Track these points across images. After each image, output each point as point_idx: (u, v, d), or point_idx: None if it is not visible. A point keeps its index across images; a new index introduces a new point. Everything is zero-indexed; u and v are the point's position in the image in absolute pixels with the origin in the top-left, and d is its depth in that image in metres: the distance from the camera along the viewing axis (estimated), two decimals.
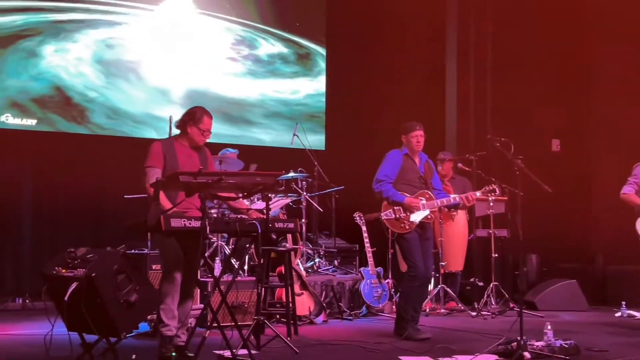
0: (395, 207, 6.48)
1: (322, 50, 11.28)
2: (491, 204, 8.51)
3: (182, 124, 5.56)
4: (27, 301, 8.40)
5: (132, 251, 7.36)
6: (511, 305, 8.64)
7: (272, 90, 10.90)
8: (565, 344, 5.51)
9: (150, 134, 9.53)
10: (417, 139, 6.63)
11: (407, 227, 6.47)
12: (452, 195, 7.06)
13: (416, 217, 6.47)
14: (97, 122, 9.32)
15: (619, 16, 10.37)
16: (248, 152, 9.09)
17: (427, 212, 6.54)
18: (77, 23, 9.36)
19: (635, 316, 8.00)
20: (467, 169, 9.12)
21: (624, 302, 8.44)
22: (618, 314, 8.43)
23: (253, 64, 10.73)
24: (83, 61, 9.33)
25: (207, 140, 5.66)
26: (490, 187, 6.79)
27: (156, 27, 9.93)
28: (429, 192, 6.62)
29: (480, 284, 8.97)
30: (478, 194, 6.81)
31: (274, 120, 10.84)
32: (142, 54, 9.81)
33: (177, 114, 5.85)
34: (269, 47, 10.93)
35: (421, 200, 6.52)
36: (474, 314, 8.24)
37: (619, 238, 8.02)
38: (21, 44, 8.94)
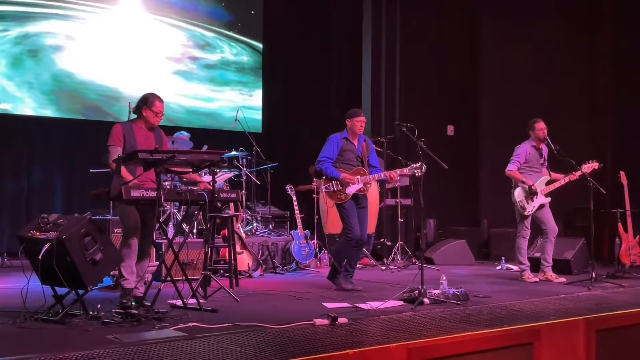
0: (333, 182, 6.46)
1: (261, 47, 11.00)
2: (398, 178, 8.54)
3: (137, 108, 5.41)
4: (6, 259, 8.12)
5: (97, 217, 7.20)
6: (413, 260, 8.78)
7: (185, 95, 9.94)
8: (457, 291, 5.60)
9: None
10: (361, 124, 6.51)
11: (343, 197, 6.40)
12: (375, 172, 7.06)
13: (351, 189, 6.43)
14: None
15: (508, 22, 10.56)
16: (198, 134, 8.93)
17: (360, 185, 6.49)
18: (38, 15, 8.94)
19: (512, 269, 8.17)
20: (379, 149, 9.14)
21: (503, 258, 8.64)
22: (498, 267, 8.63)
23: (199, 68, 10.06)
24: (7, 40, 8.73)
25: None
26: (418, 164, 6.27)
27: (105, 24, 9.44)
28: (364, 169, 6.54)
29: (389, 243, 9.08)
30: (406, 170, 6.45)
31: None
32: (69, 42, 9.21)
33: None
34: (230, 55, 10.28)
35: (357, 176, 6.47)
36: (383, 267, 8.32)
37: (499, 206, 8.18)
38: None
